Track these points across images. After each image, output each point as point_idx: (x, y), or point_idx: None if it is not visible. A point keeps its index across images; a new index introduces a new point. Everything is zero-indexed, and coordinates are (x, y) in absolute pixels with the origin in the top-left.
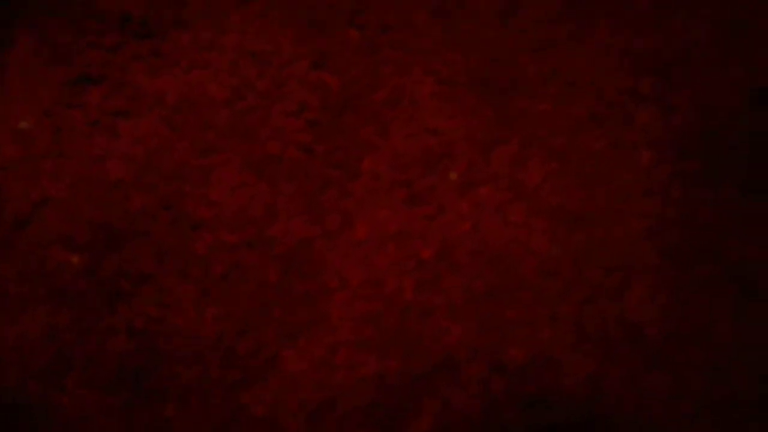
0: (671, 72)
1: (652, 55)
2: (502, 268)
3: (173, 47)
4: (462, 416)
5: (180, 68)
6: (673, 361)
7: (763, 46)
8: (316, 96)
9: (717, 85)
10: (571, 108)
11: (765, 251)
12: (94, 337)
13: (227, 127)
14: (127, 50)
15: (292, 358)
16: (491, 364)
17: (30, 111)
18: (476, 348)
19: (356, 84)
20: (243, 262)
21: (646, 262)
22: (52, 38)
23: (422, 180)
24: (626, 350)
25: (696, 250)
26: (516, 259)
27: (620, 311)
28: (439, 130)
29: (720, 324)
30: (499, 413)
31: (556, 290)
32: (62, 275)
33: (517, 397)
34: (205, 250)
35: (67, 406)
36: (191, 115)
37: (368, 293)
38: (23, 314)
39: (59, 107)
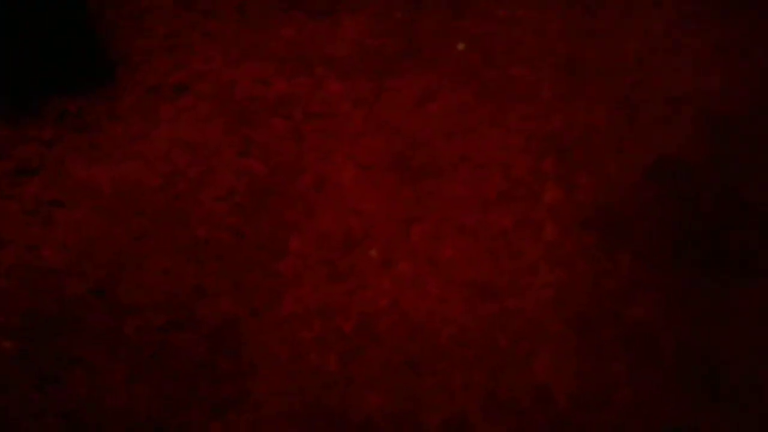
0: (573, 153)
1: (556, 138)
2: (419, 338)
3: (108, 139)
4: None
5: (114, 158)
6: (580, 424)
7: (654, 124)
8: (244, 181)
9: (614, 163)
10: (481, 188)
11: (659, 314)
12: (26, 420)
13: (160, 213)
14: (64, 142)
15: None
16: (409, 431)
17: None
18: (395, 415)
19: (282, 169)
20: (171, 342)
21: (552, 330)
22: None
23: (344, 258)
24: (536, 415)
25: (597, 316)
26: (433, 330)
27: (529, 377)
28: (361, 211)
29: (621, 385)
30: None
31: (469, 358)
32: None
33: None
34: (135, 333)
35: None
36: (125, 203)
37: (293, 368)
38: None
39: None
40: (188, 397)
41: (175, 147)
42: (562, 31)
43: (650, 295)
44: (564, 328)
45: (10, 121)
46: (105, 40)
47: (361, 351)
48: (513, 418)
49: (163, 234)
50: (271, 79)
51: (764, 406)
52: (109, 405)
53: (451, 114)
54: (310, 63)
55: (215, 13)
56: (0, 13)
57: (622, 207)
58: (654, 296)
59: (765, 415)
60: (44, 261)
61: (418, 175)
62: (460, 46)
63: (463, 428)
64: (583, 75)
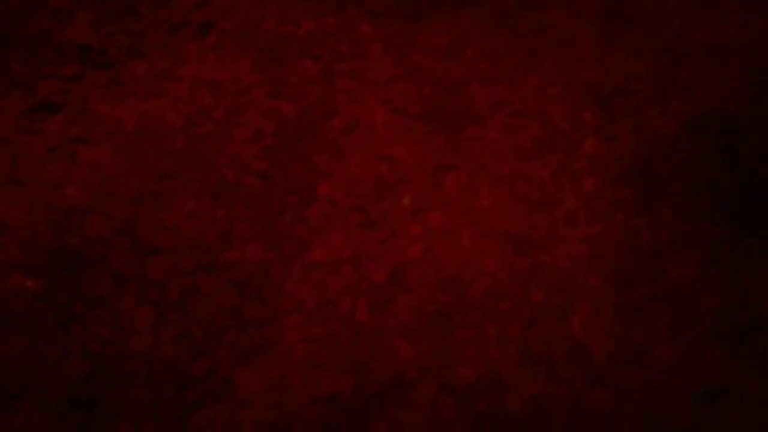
0: (613, 103)
1: (594, 87)
2: (452, 290)
3: (131, 76)
4: None
5: (137, 97)
6: (614, 382)
7: (698, 77)
8: (272, 123)
9: (655, 115)
10: (517, 136)
11: (698, 272)
12: (49, 360)
13: (184, 154)
14: (86, 79)
15: (246, 380)
16: (441, 384)
17: None
18: (427, 367)
19: (311, 112)
20: (199, 286)
21: (588, 285)
22: (11, 68)
23: (376, 205)
24: (570, 371)
25: (636, 272)
26: (466, 282)
27: (564, 332)
28: (392, 157)
29: (659, 344)
30: None
31: (503, 311)
32: (17, 300)
33: (466, 416)
34: (161, 275)
35: (21, 430)
36: (148, 142)
37: (322, 315)
38: None
39: (16, 134)
40: (215, 342)
41: (200, 86)
42: None
43: (689, 252)
44: (601, 283)
45: (31, 56)
46: None
47: (391, 300)
48: (546, 373)
49: (189, 175)
50: (299, 19)
51: None
52: (134, 348)
53: (486, 59)
54: (340, 3)
55: None
56: None
57: (662, 160)
58: (693, 253)
59: None
60: (67, 199)
61: (451, 122)
62: None
63: (496, 383)
64: (624, 22)
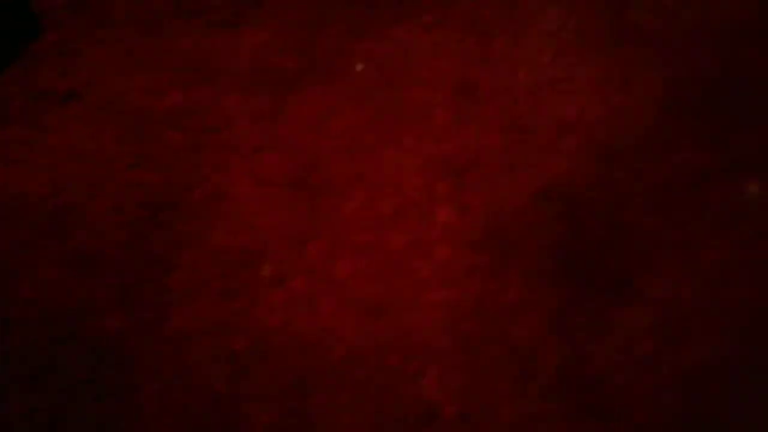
0: (466, 175)
1: (449, 159)
2: (311, 357)
3: None
4: None
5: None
6: None
7: (543, 151)
8: (135, 194)
9: (505, 186)
10: (376, 207)
11: (542, 332)
12: None
13: (44, 224)
14: None
15: None
16: None
17: None
18: None
19: (176, 183)
20: (55, 357)
21: (441, 348)
22: None
23: (238, 275)
24: (425, 431)
25: (485, 335)
26: (325, 348)
27: (418, 394)
28: (256, 227)
29: (505, 402)
30: None
31: (359, 377)
32: None
33: None
34: (17, 348)
35: None
36: (7, 211)
37: (180, 385)
38: None
39: None
40: (72, 412)
41: (62, 156)
42: (457, 55)
43: (534, 314)
44: (452, 346)
45: None
46: None
47: (250, 369)
48: None
49: (48, 246)
50: (167, 90)
51: (637, 418)
52: None
53: (349, 133)
54: (208, 75)
55: (109, 20)
56: None
57: (512, 229)
58: (537, 315)
59: (639, 426)
60: None
61: (314, 193)
62: (359, 67)
63: None
64: (477, 99)
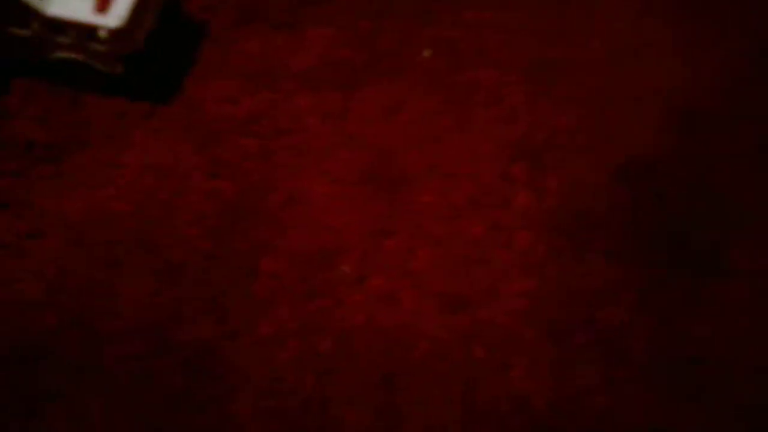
0: (541, 156)
1: (523, 141)
2: (396, 354)
3: (77, 167)
4: None
5: (85, 187)
6: (558, 428)
7: (621, 124)
8: (214, 203)
9: (583, 165)
10: (452, 197)
11: (630, 316)
12: None
13: (132, 240)
14: (32, 174)
15: None
16: None
17: None
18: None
19: (251, 189)
20: (150, 370)
21: (526, 338)
22: None
23: (318, 275)
24: (515, 422)
25: (570, 322)
26: (408, 345)
27: (506, 386)
28: (333, 226)
29: (596, 390)
30: None
31: (445, 371)
32: None
33: None
34: (113, 362)
35: None
36: (97, 230)
37: (272, 390)
38: None
39: None
40: (169, 425)
41: (145, 172)
42: (528, 31)
43: (621, 297)
44: (537, 335)
45: None
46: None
47: (337, 369)
48: (493, 428)
49: (137, 260)
50: (238, 97)
51: (738, 398)
52: None
53: (419, 123)
54: (275, 78)
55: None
56: None
57: (592, 209)
58: (625, 297)
59: (740, 406)
60: (20, 294)
61: (388, 187)
62: (426, 53)
63: None
64: (550, 76)
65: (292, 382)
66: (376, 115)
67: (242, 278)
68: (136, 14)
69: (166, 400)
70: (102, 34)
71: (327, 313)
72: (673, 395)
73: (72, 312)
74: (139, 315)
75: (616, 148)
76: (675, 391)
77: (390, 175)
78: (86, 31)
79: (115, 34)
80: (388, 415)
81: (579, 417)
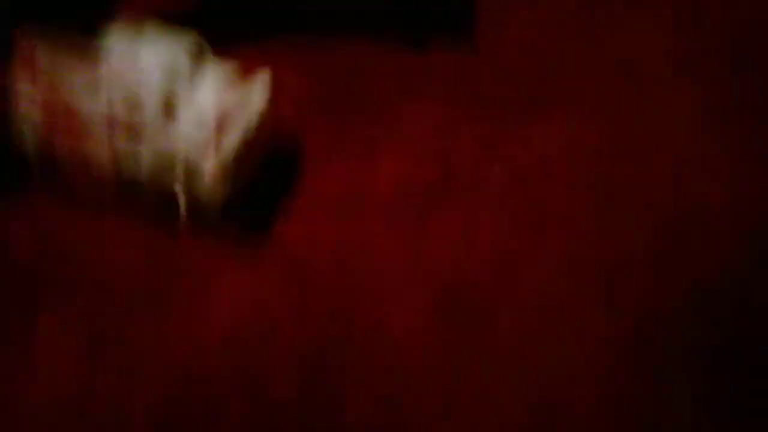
0: (614, 278)
1: (596, 262)
2: None
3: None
4: None
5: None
6: None
7: (690, 245)
8: (305, 332)
9: (655, 288)
10: (528, 325)
11: None
12: None
13: (227, 378)
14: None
15: None
16: None
17: None
18: None
19: (337, 325)
20: None
21: None
22: None
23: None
24: None
25: None
26: None
27: None
28: (412, 366)
29: None
30: None
31: None
32: None
33: None
34: None
35: None
36: (196, 369)
37: None
38: None
39: None
40: None
41: (238, 305)
42: (592, 148)
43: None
44: None
45: None
46: None
47: None
48: None
49: (236, 404)
50: (321, 226)
51: None
52: None
53: (492, 244)
54: (354, 206)
55: None
56: None
57: (664, 334)
58: None
59: None
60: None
61: (463, 322)
62: (496, 173)
63: None
64: (617, 194)
65: None
66: (450, 237)
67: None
68: (240, 156)
69: None
70: (206, 173)
71: None
72: None
73: None
74: None
75: (686, 271)
76: None
77: (465, 306)
78: (193, 169)
79: (219, 174)
80: None
81: None
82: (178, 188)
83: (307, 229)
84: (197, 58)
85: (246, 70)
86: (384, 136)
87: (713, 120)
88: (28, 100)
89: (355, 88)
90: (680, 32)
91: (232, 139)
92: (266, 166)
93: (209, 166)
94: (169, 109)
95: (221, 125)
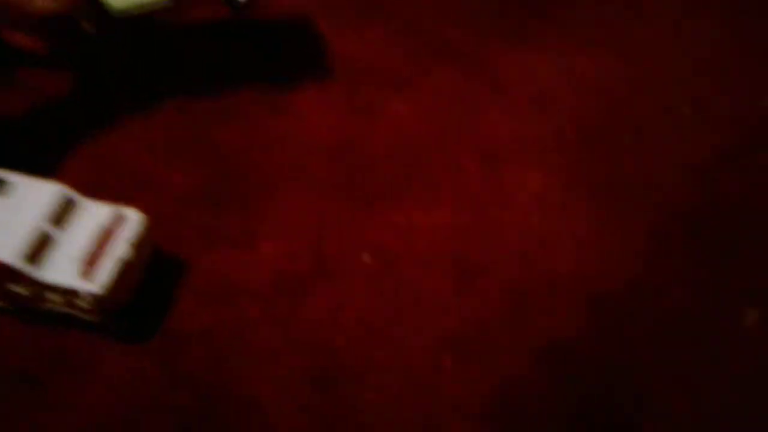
0: (469, 347)
1: (452, 335)
2: None
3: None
4: None
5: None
6: None
7: (540, 312)
8: (174, 417)
9: (507, 353)
10: (388, 390)
11: None
12: None
13: None
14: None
15: None
16: None
17: None
18: None
19: (207, 398)
20: None
21: None
22: None
23: None
24: None
25: None
26: None
27: None
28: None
29: None
30: None
31: None
32: None
33: None
34: None
35: None
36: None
37: None
38: None
39: None
40: None
41: (110, 392)
42: (450, 231)
43: None
44: None
45: None
46: None
47: None
48: None
49: None
50: (198, 313)
51: None
52: None
53: (360, 323)
54: (230, 292)
55: None
56: None
57: (519, 397)
58: None
59: None
60: None
61: (332, 386)
62: (366, 258)
63: None
64: (471, 272)
65: None
66: (321, 318)
67: None
68: (119, 278)
69: None
70: (86, 297)
71: None
72: None
73: None
74: None
75: (535, 336)
76: None
77: (333, 375)
78: (73, 293)
79: (98, 298)
80: None
81: None
82: (63, 309)
83: (183, 312)
84: (68, 204)
85: (131, 173)
86: (260, 228)
87: (563, 199)
88: None
89: (231, 179)
90: (531, 119)
91: (107, 268)
92: (149, 270)
93: (87, 292)
94: (41, 248)
95: (93, 259)
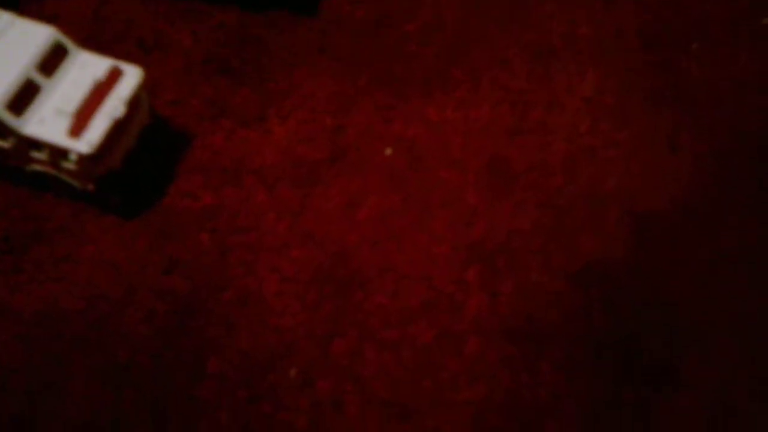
0: (496, 260)
1: (479, 245)
2: None
3: (32, 261)
4: None
5: (37, 282)
6: None
7: (579, 229)
8: (166, 301)
9: (538, 270)
10: (404, 300)
11: (575, 429)
12: None
13: (80, 337)
14: None
15: None
16: None
17: None
18: None
19: (204, 286)
20: None
21: None
22: None
23: (264, 379)
24: None
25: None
26: None
27: None
28: (282, 327)
29: None
30: None
31: None
32: None
33: None
34: None
35: None
36: (46, 328)
37: None
38: None
39: None
40: None
41: (98, 268)
42: (489, 131)
43: (568, 409)
44: None
45: None
46: None
47: None
48: None
49: (83, 359)
50: (199, 193)
51: None
52: None
53: (377, 221)
54: (237, 174)
55: None
56: None
57: (546, 316)
58: (571, 410)
59: None
60: None
61: (340, 288)
62: (388, 151)
63: None
64: (510, 177)
65: None
66: (334, 212)
67: (187, 381)
68: (110, 139)
69: None
70: (72, 158)
71: (269, 418)
72: None
73: (16, 413)
74: (79, 418)
75: (572, 254)
76: None
77: (342, 275)
78: (59, 151)
79: (86, 158)
80: None
81: None
82: (49, 170)
83: (184, 192)
84: (61, 52)
85: (141, 32)
86: (274, 107)
87: (616, 105)
88: None
89: (247, 54)
90: (590, 16)
91: (100, 125)
92: (146, 137)
93: (74, 151)
94: (27, 98)
95: (85, 113)
